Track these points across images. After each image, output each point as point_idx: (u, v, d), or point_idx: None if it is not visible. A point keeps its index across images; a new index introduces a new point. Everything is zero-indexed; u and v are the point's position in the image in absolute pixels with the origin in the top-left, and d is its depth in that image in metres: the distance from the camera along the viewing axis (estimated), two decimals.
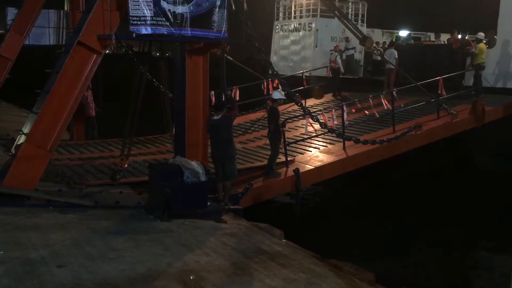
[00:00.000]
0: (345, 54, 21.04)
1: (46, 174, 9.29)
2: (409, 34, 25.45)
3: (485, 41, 16.19)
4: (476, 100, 14.23)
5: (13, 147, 8.91)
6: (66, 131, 11.75)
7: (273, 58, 22.83)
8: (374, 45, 16.34)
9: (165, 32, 8.81)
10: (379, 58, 21.25)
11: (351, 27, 14.95)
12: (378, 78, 19.55)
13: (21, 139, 8.76)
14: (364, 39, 14.85)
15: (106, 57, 10.37)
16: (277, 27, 24.04)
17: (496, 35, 16.75)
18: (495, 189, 12.89)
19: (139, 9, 8.52)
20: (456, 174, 13.88)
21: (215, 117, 9.08)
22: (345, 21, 15.46)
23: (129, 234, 7.23)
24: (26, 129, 8.76)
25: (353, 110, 13.87)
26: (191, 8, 8.93)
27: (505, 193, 12.41)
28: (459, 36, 17.63)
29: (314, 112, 13.16)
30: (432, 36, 22.83)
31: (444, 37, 21.08)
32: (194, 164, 8.36)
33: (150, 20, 8.62)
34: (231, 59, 11.82)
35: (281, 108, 12.19)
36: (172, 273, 5.94)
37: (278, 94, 10.81)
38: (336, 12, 16.33)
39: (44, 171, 8.89)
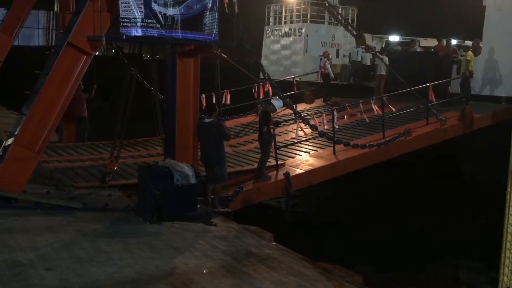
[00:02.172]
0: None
1: (35, 176, 9.20)
2: (396, 42, 25.70)
3: (471, 49, 16.37)
4: (464, 107, 14.37)
5: (1, 149, 8.81)
6: (55, 133, 11.64)
7: (264, 63, 22.84)
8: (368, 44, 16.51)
9: (156, 34, 8.79)
10: (368, 63, 21.43)
11: (345, 24, 15.06)
12: (367, 84, 19.64)
13: (9, 140, 8.67)
14: (359, 36, 14.96)
15: (97, 59, 10.32)
16: (267, 32, 24.10)
17: (481, 43, 16.91)
18: (482, 197, 12.94)
19: (129, 11, 8.49)
20: (444, 181, 13.94)
21: (206, 120, 9.07)
22: (340, 18, 15.57)
23: (118, 237, 7.18)
24: (14, 131, 8.67)
25: (347, 117, 13.91)
26: (182, 10, 8.93)
27: (492, 201, 12.43)
28: (445, 43, 17.70)
29: (305, 116, 13.20)
30: (422, 42, 23.00)
31: (430, 43, 21.27)
32: (184, 167, 8.35)
33: (141, 22, 8.60)
34: (226, 57, 11.81)
35: (272, 113, 12.20)
36: (161, 276, 5.91)
37: (278, 103, 10.84)
38: (329, 9, 16.38)
39: (32, 173, 8.81)
